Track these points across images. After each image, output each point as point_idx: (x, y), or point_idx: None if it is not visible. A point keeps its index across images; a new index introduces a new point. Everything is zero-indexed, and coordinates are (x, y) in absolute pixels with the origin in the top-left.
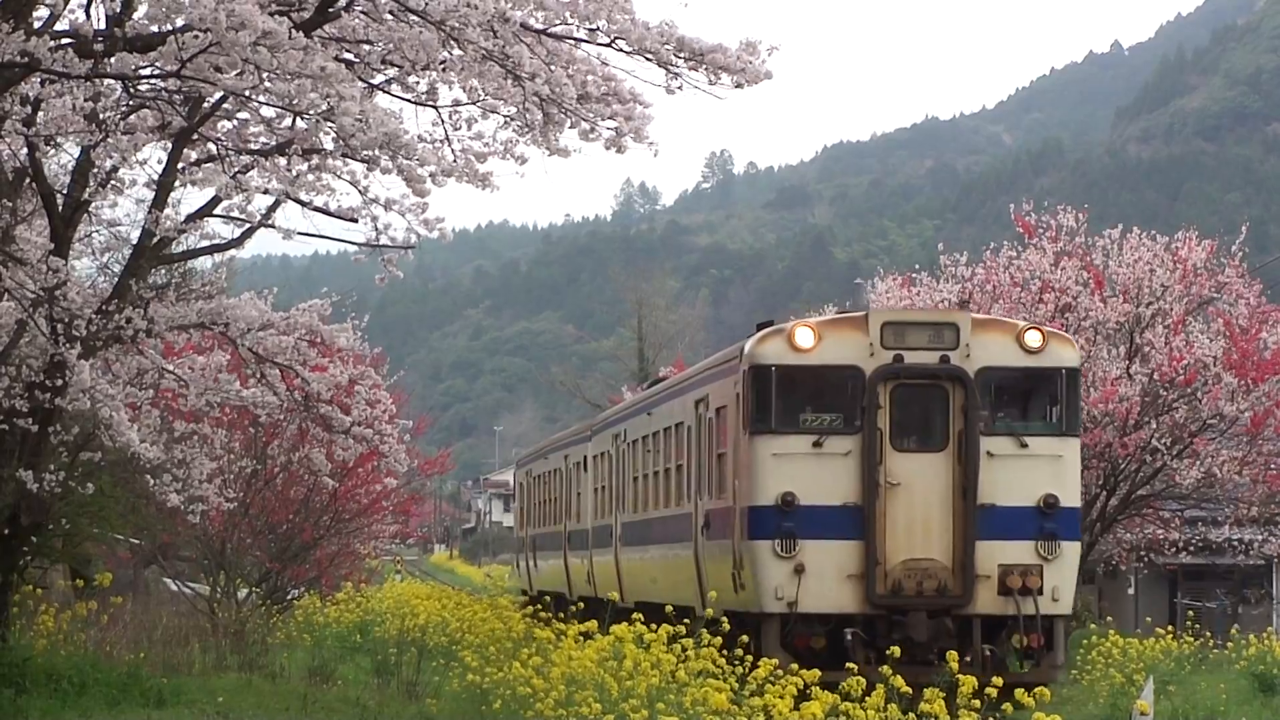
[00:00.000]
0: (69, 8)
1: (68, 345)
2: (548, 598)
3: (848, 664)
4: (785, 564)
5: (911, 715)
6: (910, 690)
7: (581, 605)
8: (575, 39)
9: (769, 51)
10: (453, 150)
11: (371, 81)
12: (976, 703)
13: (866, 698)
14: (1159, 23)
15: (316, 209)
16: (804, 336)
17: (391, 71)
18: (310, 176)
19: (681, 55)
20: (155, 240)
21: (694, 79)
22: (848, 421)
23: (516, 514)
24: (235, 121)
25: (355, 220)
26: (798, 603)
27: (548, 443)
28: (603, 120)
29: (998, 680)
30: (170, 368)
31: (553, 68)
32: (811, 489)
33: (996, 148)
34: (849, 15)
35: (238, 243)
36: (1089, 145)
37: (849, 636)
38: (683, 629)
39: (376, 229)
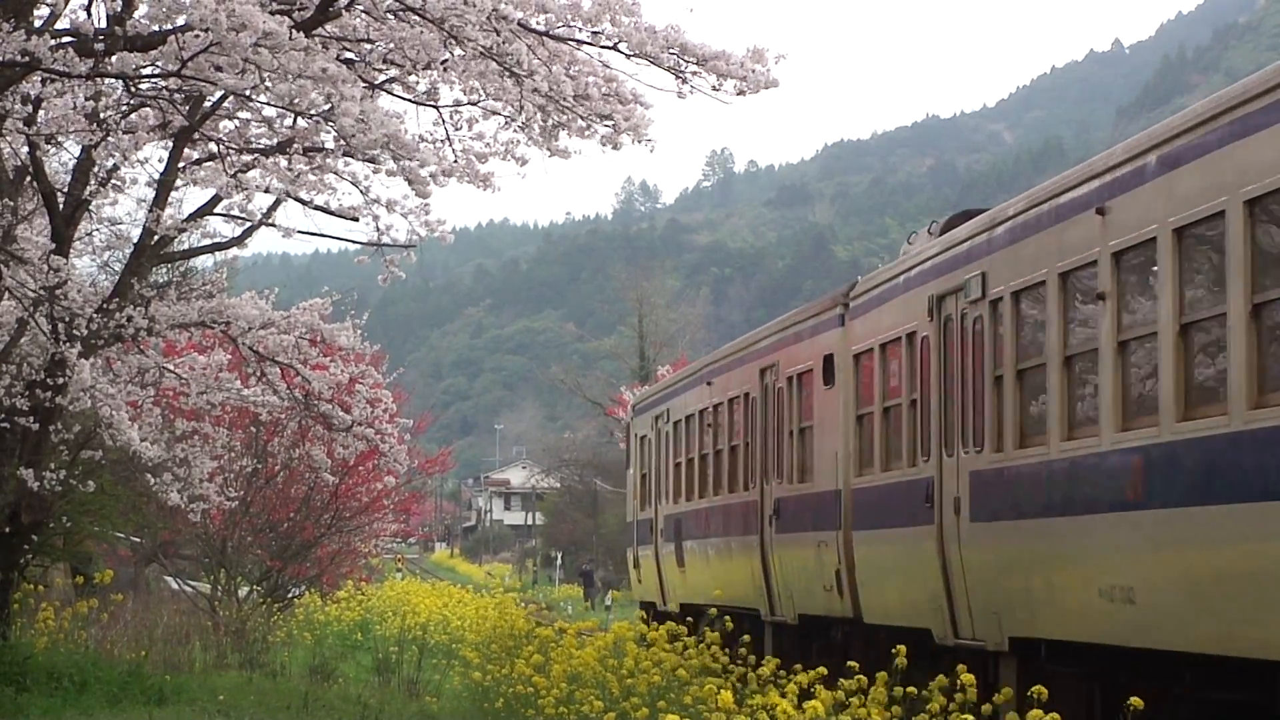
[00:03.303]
0: (70, 7)
1: (68, 344)
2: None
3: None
4: None
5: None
6: None
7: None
8: (577, 41)
9: (776, 60)
10: (453, 150)
11: (373, 81)
12: None
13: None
14: (1160, 21)
15: (317, 208)
16: None
17: (392, 71)
18: (312, 176)
19: (686, 60)
20: (156, 239)
21: (698, 84)
22: None
23: (635, 484)
24: (237, 121)
25: (356, 219)
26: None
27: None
28: (600, 119)
29: None
30: (171, 366)
31: (552, 68)
32: None
33: (997, 146)
34: (850, 15)
35: (238, 241)
36: (1090, 144)
37: None
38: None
39: (378, 229)
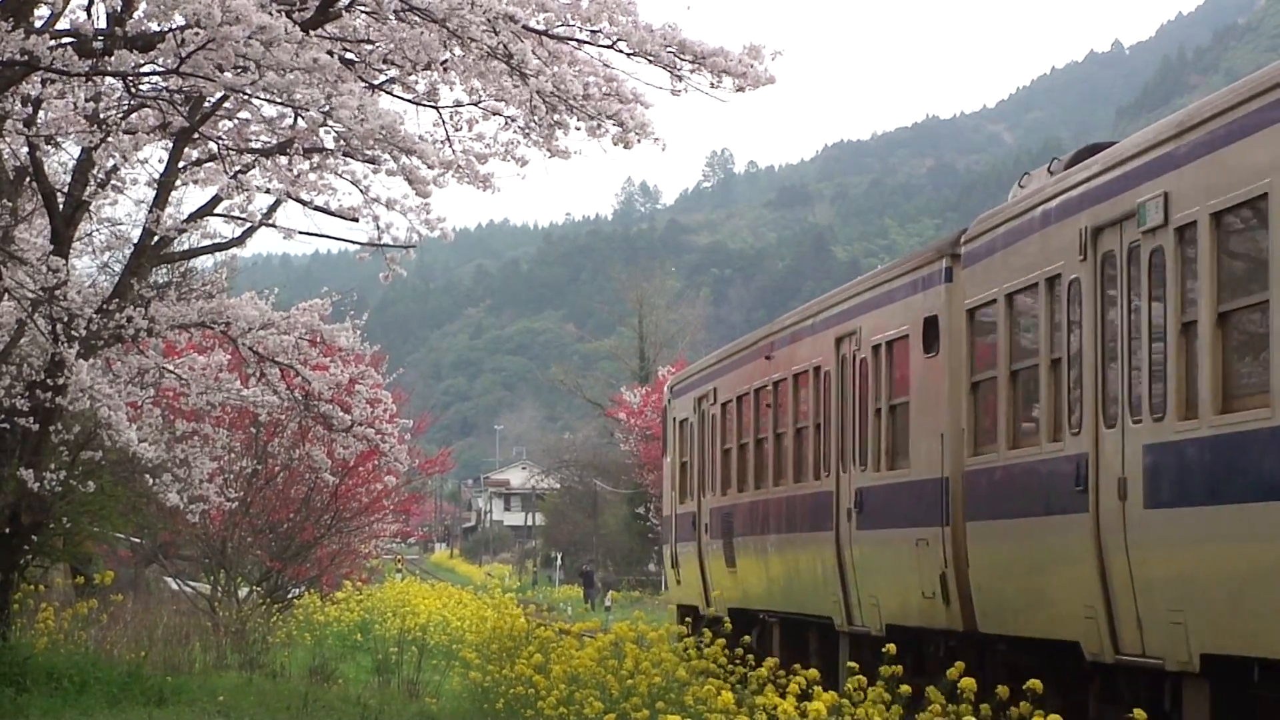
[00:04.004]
0: (69, 7)
1: (67, 345)
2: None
3: None
4: None
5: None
6: None
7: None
8: (577, 40)
9: (773, 57)
10: (454, 151)
11: (373, 82)
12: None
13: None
14: (1160, 22)
15: (317, 208)
16: None
17: (392, 72)
18: (312, 176)
19: (684, 58)
20: (156, 239)
21: (696, 82)
22: None
23: (673, 473)
24: (236, 121)
25: (356, 220)
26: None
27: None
28: (607, 117)
29: None
30: (171, 367)
31: (555, 68)
32: None
33: (997, 147)
34: (849, 15)
35: (238, 242)
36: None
37: None
38: None
39: (379, 228)
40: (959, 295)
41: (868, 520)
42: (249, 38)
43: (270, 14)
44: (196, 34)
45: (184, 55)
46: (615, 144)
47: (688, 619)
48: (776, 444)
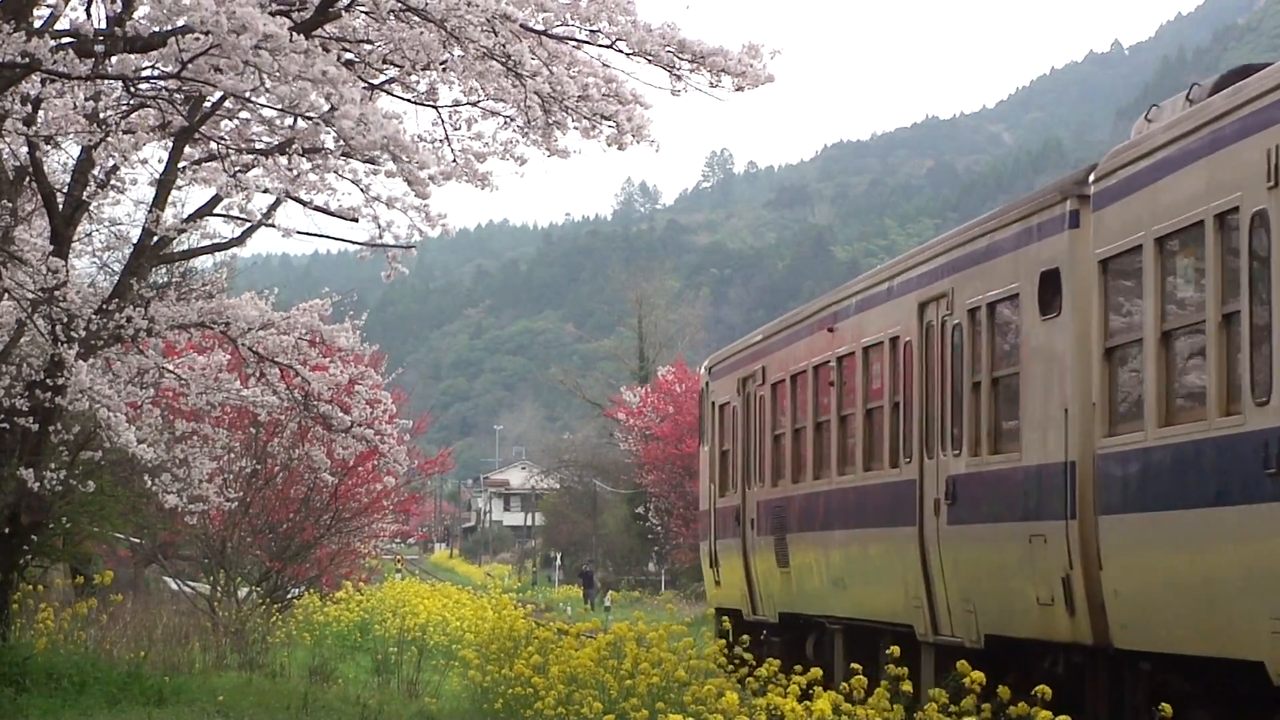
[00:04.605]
0: (69, 7)
1: (66, 345)
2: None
3: None
4: None
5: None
6: None
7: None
8: (576, 40)
9: (771, 55)
10: (452, 150)
11: (372, 82)
12: None
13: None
14: (1159, 22)
15: (317, 208)
16: None
17: (392, 72)
18: (312, 176)
19: (683, 58)
20: (155, 239)
21: (695, 81)
22: None
23: (712, 463)
24: (237, 121)
25: (356, 220)
26: None
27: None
28: (604, 119)
29: None
30: (171, 367)
31: (553, 68)
32: None
33: (997, 147)
34: (849, 15)
35: (238, 241)
36: (1089, 145)
37: None
38: None
39: (379, 227)
40: (1087, 243)
41: (962, 513)
42: (255, 46)
43: (270, 15)
44: (198, 38)
45: (185, 60)
46: (609, 145)
47: (723, 635)
48: (841, 428)
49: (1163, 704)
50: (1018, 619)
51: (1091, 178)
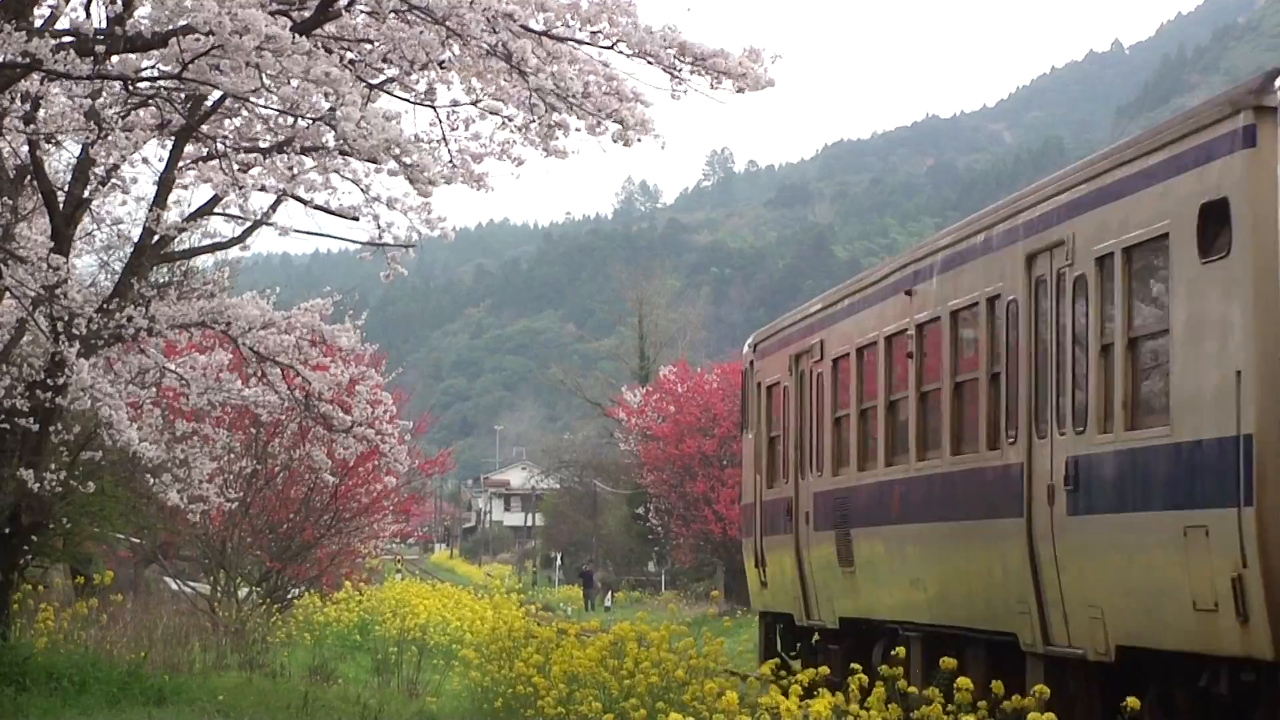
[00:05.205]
0: (69, 7)
1: (67, 344)
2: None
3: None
4: None
5: None
6: None
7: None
8: (577, 41)
9: (772, 59)
10: (449, 150)
11: (372, 81)
12: None
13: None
14: (1160, 21)
15: (318, 207)
16: None
17: (391, 71)
18: (313, 175)
19: (684, 60)
20: (156, 239)
21: (695, 84)
22: None
23: (758, 451)
24: (240, 120)
25: (356, 219)
26: None
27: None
28: (606, 115)
29: None
30: (172, 367)
31: (554, 66)
32: None
33: (997, 146)
34: (849, 15)
35: (239, 241)
36: (1090, 144)
37: None
38: None
39: (380, 227)
40: (1268, 165)
41: (1086, 501)
42: (258, 48)
43: (270, 15)
44: (198, 39)
45: (186, 61)
46: (615, 141)
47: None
48: (921, 406)
49: None
50: (1164, 628)
51: (1278, 83)
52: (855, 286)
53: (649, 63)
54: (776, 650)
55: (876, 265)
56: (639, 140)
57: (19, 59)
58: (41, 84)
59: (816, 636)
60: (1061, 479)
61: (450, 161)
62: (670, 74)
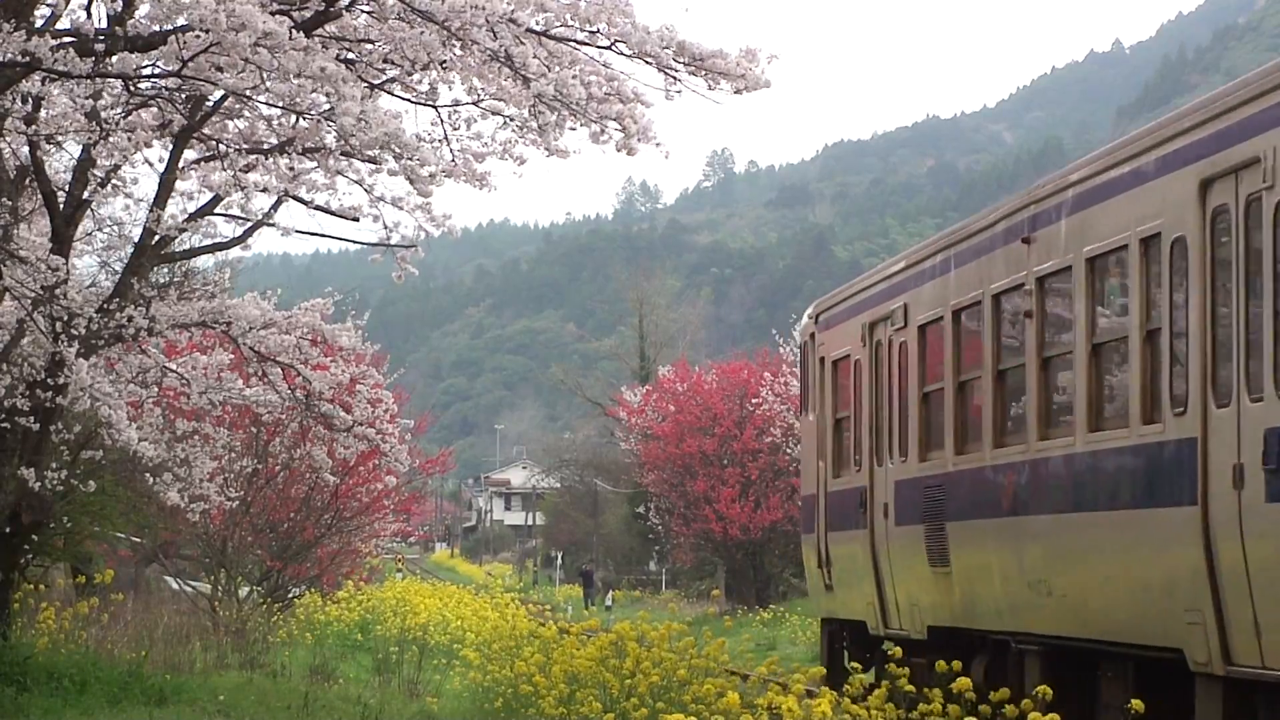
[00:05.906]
0: (69, 7)
1: (67, 344)
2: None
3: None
4: None
5: None
6: None
7: None
8: (576, 41)
9: (769, 60)
10: (451, 150)
11: (373, 81)
12: None
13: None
14: (1160, 21)
15: (318, 208)
16: None
17: (392, 71)
18: (320, 178)
19: (681, 60)
20: (156, 239)
21: (693, 84)
22: None
23: (821, 436)
24: (242, 120)
25: (357, 219)
26: None
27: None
28: (610, 121)
29: None
30: (173, 366)
31: (555, 69)
32: None
33: (998, 146)
34: (849, 15)
35: (240, 241)
36: (1090, 144)
37: None
38: None
39: (386, 227)
40: None
41: None
42: (255, 44)
43: (270, 14)
44: (198, 37)
45: (186, 59)
46: (619, 150)
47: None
48: (1043, 375)
49: None
50: None
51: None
52: (954, 237)
53: (647, 63)
54: (843, 663)
55: (979, 214)
56: (645, 144)
57: (19, 59)
58: (43, 84)
59: (893, 648)
60: (1258, 457)
61: (452, 161)
62: (666, 73)
